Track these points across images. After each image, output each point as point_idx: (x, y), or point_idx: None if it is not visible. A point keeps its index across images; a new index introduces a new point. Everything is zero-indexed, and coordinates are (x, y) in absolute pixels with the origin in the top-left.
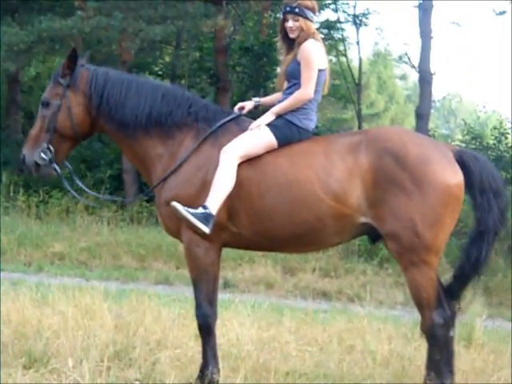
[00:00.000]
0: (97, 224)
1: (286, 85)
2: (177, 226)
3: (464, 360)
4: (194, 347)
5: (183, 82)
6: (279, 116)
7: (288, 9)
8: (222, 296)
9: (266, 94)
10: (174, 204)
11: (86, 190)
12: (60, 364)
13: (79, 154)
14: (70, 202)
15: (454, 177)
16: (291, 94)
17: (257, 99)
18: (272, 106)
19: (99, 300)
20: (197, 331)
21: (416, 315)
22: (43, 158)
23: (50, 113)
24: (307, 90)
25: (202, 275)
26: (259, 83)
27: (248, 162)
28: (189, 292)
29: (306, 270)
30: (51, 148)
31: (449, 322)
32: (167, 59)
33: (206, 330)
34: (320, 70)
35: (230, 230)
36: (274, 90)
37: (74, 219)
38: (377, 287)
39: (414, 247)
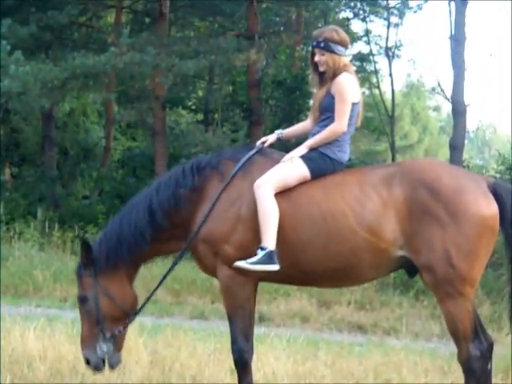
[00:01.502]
0: None
1: (319, 117)
2: (212, 263)
3: None
4: (230, 382)
5: (216, 116)
6: (313, 149)
7: (315, 43)
8: (258, 330)
9: None
10: (237, 264)
11: None
12: None
13: (114, 189)
14: None
15: (489, 208)
16: (325, 126)
17: (279, 131)
18: (295, 136)
19: (134, 335)
20: (233, 366)
21: (452, 347)
22: (104, 351)
23: (91, 306)
24: (341, 123)
25: (238, 310)
26: (292, 116)
27: (281, 194)
28: (224, 326)
29: (341, 303)
30: (107, 335)
31: (486, 355)
32: (200, 94)
33: (242, 366)
34: (353, 104)
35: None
36: None
37: None
38: (413, 320)
39: (450, 279)
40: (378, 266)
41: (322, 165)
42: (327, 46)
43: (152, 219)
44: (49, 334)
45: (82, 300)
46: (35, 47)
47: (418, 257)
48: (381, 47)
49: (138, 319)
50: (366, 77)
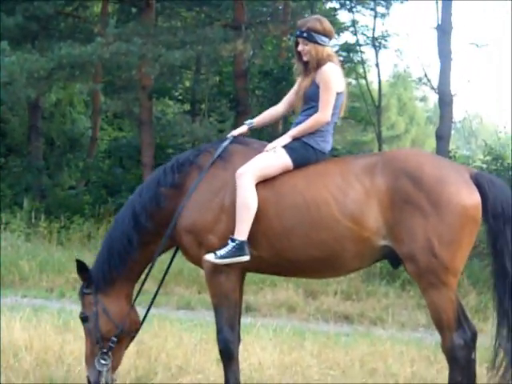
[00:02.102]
0: None
1: (303, 106)
2: (198, 254)
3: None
4: (216, 372)
5: (203, 106)
6: (296, 138)
7: (298, 33)
8: (244, 320)
9: (284, 117)
10: (206, 258)
11: None
12: None
13: (100, 180)
14: (91, 228)
15: (471, 198)
16: (309, 115)
17: (249, 121)
18: (267, 123)
19: None
20: (219, 356)
21: (438, 337)
22: (103, 364)
23: (92, 325)
24: (325, 113)
25: (224, 301)
26: None
27: (263, 183)
28: (210, 317)
29: (327, 293)
30: (105, 351)
31: (469, 344)
32: (187, 84)
33: (228, 356)
34: (338, 93)
35: (251, 254)
36: (293, 113)
37: (95, 245)
38: (399, 310)
39: (432, 268)
40: (361, 256)
41: (304, 155)
42: (310, 36)
43: (136, 223)
44: (35, 324)
45: (83, 319)
46: (21, 37)
47: (401, 246)
48: (367, 37)
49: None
50: (352, 67)
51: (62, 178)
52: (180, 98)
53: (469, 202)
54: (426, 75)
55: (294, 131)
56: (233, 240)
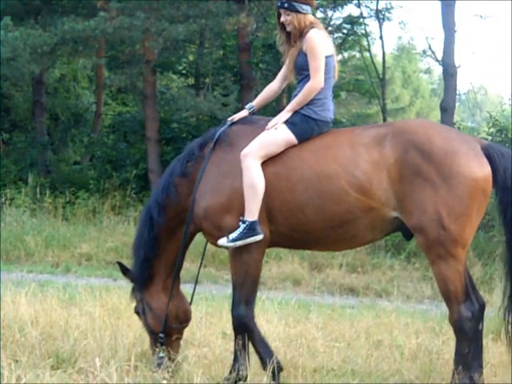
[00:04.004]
0: (123, 224)
1: (296, 78)
2: (219, 237)
3: (492, 353)
4: (222, 345)
5: (207, 80)
6: (295, 112)
7: (279, 4)
8: None
9: (289, 91)
10: (219, 243)
11: None
12: (87, 364)
13: (105, 155)
14: (96, 203)
15: (481, 170)
16: (304, 85)
17: (249, 105)
18: (266, 103)
19: (126, 300)
20: (224, 329)
21: (444, 309)
22: (160, 357)
23: (142, 320)
24: (317, 79)
25: (245, 278)
26: None
27: (273, 159)
28: (216, 290)
29: (333, 266)
30: (159, 345)
31: (477, 316)
32: (191, 58)
33: (244, 330)
34: (327, 57)
35: (269, 229)
36: (295, 85)
37: (100, 220)
38: (404, 282)
39: (441, 240)
40: (373, 227)
41: (306, 127)
42: (291, 6)
43: (151, 217)
44: (40, 299)
45: (139, 314)
46: (24, 13)
47: (410, 218)
48: (371, 10)
49: (130, 284)
50: (356, 40)
51: (66, 153)
52: (184, 72)
53: (479, 174)
54: (430, 47)
55: (291, 105)
56: (243, 222)
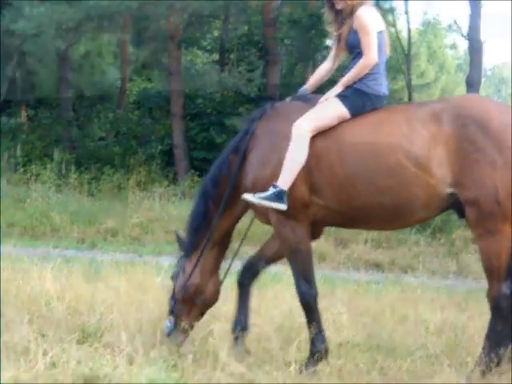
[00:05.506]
0: (149, 200)
1: (349, 56)
2: (265, 212)
3: None
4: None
5: (232, 56)
6: (348, 86)
7: None
8: (275, 268)
9: (314, 66)
10: (244, 197)
11: None
12: (113, 338)
13: (130, 131)
14: (121, 179)
15: None
16: (357, 63)
17: (303, 89)
18: (320, 83)
19: (152, 275)
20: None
21: (469, 284)
22: (168, 326)
23: (173, 284)
24: (370, 55)
25: (293, 254)
26: (308, 55)
27: (323, 133)
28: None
29: (358, 242)
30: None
31: None
32: (215, 33)
33: (308, 308)
34: (378, 33)
35: (317, 204)
36: (322, 62)
37: (125, 195)
38: (429, 257)
39: (494, 215)
40: (428, 204)
41: (358, 101)
42: None
43: (206, 191)
44: (66, 274)
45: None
46: None
47: (466, 192)
48: None
49: (156, 259)
50: (382, 15)
51: (91, 129)
52: (209, 47)
53: None
54: (455, 22)
55: (344, 80)
56: (274, 186)
